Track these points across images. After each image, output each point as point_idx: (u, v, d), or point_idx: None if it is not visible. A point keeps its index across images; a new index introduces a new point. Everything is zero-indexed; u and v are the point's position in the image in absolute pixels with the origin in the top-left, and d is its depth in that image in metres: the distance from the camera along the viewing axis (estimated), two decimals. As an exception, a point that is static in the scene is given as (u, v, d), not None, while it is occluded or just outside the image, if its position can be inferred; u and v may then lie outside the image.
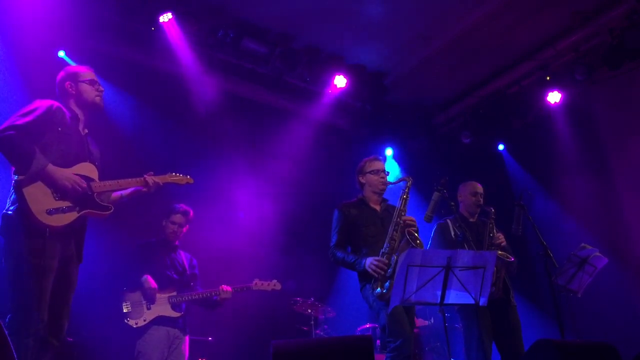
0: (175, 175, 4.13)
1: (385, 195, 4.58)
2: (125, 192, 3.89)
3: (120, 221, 4.52)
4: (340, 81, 7.08)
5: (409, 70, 7.47)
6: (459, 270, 3.46)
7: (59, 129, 3.51)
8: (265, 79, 7.10)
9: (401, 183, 4.42)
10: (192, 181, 4.22)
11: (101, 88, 3.80)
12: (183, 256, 5.22)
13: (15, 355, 2.11)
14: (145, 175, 3.88)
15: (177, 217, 5.14)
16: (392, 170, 8.49)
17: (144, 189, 3.88)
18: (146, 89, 6.44)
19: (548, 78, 7.10)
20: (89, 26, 5.84)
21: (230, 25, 6.35)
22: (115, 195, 3.85)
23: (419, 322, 6.40)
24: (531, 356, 3.52)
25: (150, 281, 4.80)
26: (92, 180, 3.60)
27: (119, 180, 3.76)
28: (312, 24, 6.54)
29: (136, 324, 4.71)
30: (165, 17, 5.94)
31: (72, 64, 6.05)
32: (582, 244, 4.92)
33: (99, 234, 4.58)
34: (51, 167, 3.37)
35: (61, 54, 6.03)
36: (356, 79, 7.31)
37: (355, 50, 7.14)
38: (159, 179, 3.94)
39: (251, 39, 6.49)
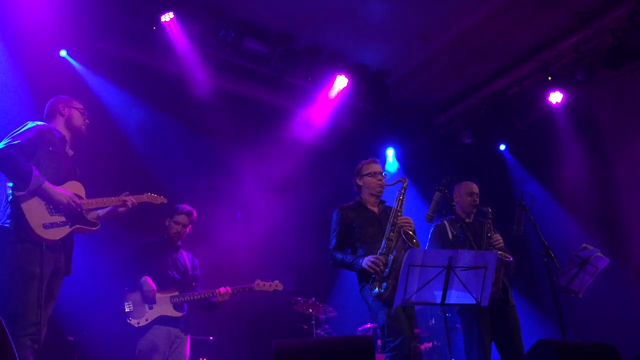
0: (151, 195, 4.41)
1: (383, 197, 4.59)
2: (101, 212, 4.10)
3: (121, 221, 4.52)
4: (341, 81, 7.08)
5: (410, 70, 7.47)
6: (460, 270, 3.46)
7: (50, 148, 3.75)
8: (267, 78, 7.11)
9: (397, 185, 4.45)
10: (165, 201, 4.55)
11: (87, 121, 4.10)
12: (185, 256, 5.22)
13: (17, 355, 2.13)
14: (122, 195, 4.12)
15: (181, 218, 5.14)
16: (393, 170, 8.49)
17: (121, 209, 4.12)
18: (147, 88, 6.45)
19: (550, 78, 7.10)
20: (91, 25, 5.84)
21: (232, 25, 6.34)
22: (93, 214, 4.04)
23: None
24: (532, 356, 3.52)
25: (149, 283, 4.79)
26: (81, 197, 3.84)
27: (104, 198, 4.01)
28: (314, 23, 6.54)
29: (138, 323, 4.71)
30: (167, 17, 5.94)
31: (74, 63, 6.08)
32: (583, 245, 4.92)
33: (100, 234, 4.57)
34: (47, 184, 3.60)
35: (63, 53, 6.05)
36: (357, 79, 7.30)
37: (356, 50, 7.14)
38: (136, 199, 4.19)
39: (252, 38, 6.49)
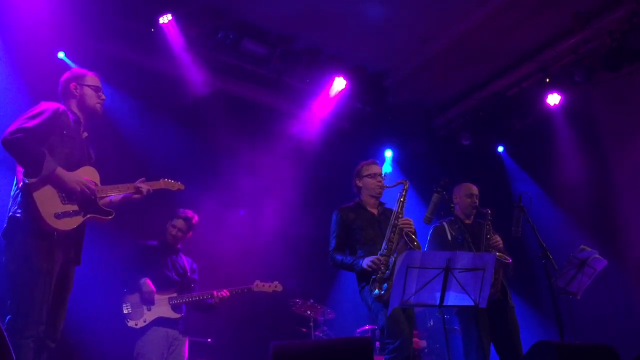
0: (168, 181, 4.19)
1: (382, 199, 4.59)
2: (115, 198, 3.88)
3: (121, 222, 4.51)
4: (340, 82, 7.08)
5: (409, 71, 7.47)
6: (459, 272, 3.46)
7: (64, 132, 3.53)
8: (266, 80, 7.11)
9: (398, 186, 4.44)
10: (182, 187, 4.30)
11: (103, 96, 3.83)
12: (184, 259, 5.23)
13: (15, 357, 2.10)
14: (137, 182, 3.90)
15: (179, 222, 5.18)
16: (392, 171, 8.49)
17: (136, 195, 3.89)
18: (145, 89, 6.44)
19: (547, 80, 7.10)
20: (89, 27, 5.84)
21: (231, 27, 6.35)
22: (105, 200, 3.83)
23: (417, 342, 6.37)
24: (531, 357, 3.52)
25: (148, 284, 4.80)
26: (95, 184, 3.63)
27: (119, 185, 3.79)
28: (313, 25, 6.54)
29: (136, 324, 4.71)
30: (165, 19, 5.94)
31: (72, 64, 6.06)
32: (582, 246, 4.92)
33: (100, 235, 4.58)
34: (60, 170, 3.39)
35: (61, 54, 6.04)
36: (356, 80, 7.31)
37: (355, 52, 7.15)
38: (151, 185, 3.97)
39: (251, 40, 6.49)
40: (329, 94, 7.28)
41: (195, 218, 5.23)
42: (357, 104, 7.85)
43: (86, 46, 6.03)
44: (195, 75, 6.49)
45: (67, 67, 6.01)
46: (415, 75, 7.53)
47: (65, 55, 6.06)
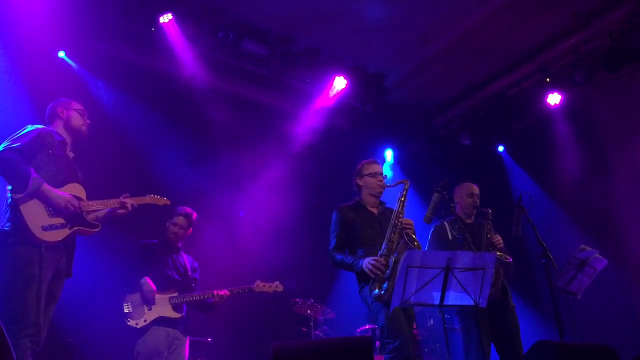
0: (154, 197, 4.40)
1: (382, 198, 4.59)
2: (100, 213, 4.06)
3: (121, 222, 4.52)
4: (340, 82, 7.08)
5: (409, 71, 7.47)
6: (459, 271, 3.46)
7: (49, 151, 3.78)
8: (266, 80, 7.11)
9: (399, 186, 4.43)
10: (168, 202, 4.55)
11: (88, 121, 4.11)
12: (185, 258, 5.22)
13: (14, 356, 2.13)
14: (121, 197, 4.09)
15: (179, 219, 5.17)
16: (391, 171, 8.50)
17: (120, 210, 4.08)
18: (145, 89, 6.44)
19: (548, 80, 7.10)
20: (89, 26, 5.84)
21: (231, 27, 6.35)
22: (92, 214, 4.01)
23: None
24: (531, 357, 3.52)
25: (149, 283, 4.80)
26: (81, 199, 3.85)
27: (104, 200, 4.01)
28: (313, 25, 6.54)
29: (137, 324, 4.71)
30: (166, 18, 5.94)
31: (72, 64, 6.08)
32: (582, 246, 4.93)
33: (100, 235, 4.56)
34: (46, 187, 3.62)
35: (61, 54, 6.05)
36: (356, 80, 7.30)
37: (355, 52, 7.14)
38: (136, 200, 4.17)
39: (251, 40, 6.49)
40: (329, 94, 7.27)
41: (195, 214, 5.25)
42: (357, 104, 7.85)
43: (86, 46, 6.04)
44: (195, 74, 6.49)
45: (67, 67, 6.05)
46: (416, 75, 7.52)
47: (66, 55, 6.07)
